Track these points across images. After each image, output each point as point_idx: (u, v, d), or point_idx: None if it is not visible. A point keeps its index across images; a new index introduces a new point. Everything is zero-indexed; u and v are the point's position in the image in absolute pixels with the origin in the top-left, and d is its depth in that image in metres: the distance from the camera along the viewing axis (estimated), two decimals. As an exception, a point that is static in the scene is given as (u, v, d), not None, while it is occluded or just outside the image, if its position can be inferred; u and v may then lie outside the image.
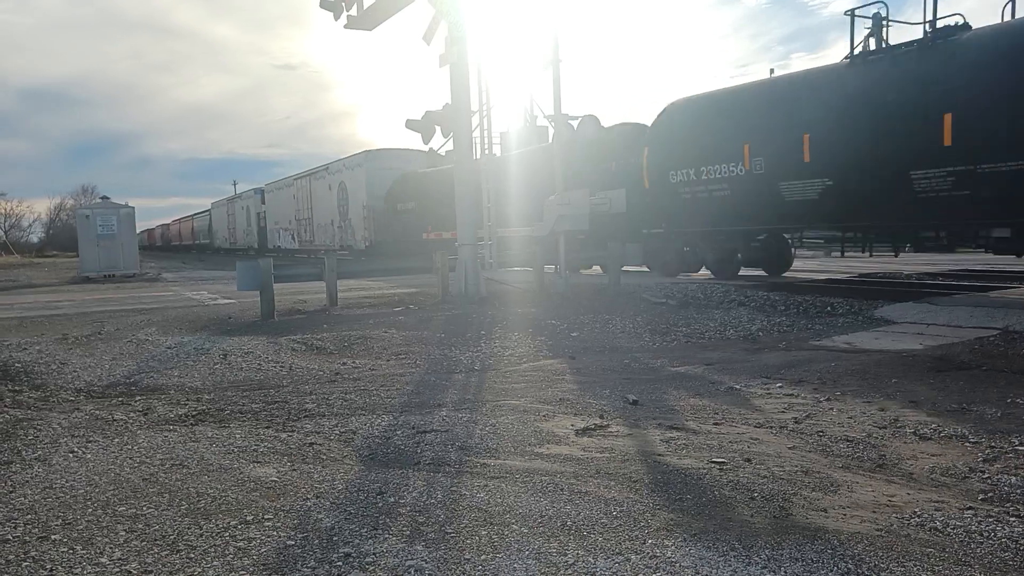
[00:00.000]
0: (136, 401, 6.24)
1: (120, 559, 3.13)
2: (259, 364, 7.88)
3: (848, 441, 4.67)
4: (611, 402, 5.87)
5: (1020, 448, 4.38)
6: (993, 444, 4.49)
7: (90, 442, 4.91)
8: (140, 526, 3.48)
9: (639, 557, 3.08)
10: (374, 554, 3.14)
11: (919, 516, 3.43)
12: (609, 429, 5.08)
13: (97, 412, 5.80)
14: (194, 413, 5.76)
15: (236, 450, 4.72)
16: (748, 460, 4.32)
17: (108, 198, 28.53)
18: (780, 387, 6.32)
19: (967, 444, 4.54)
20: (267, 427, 5.33)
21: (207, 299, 16.14)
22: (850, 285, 14.57)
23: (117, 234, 25.79)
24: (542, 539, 3.27)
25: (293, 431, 5.21)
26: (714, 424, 5.20)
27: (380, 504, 3.74)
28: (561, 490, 3.89)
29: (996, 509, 3.50)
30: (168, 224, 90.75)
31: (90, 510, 3.68)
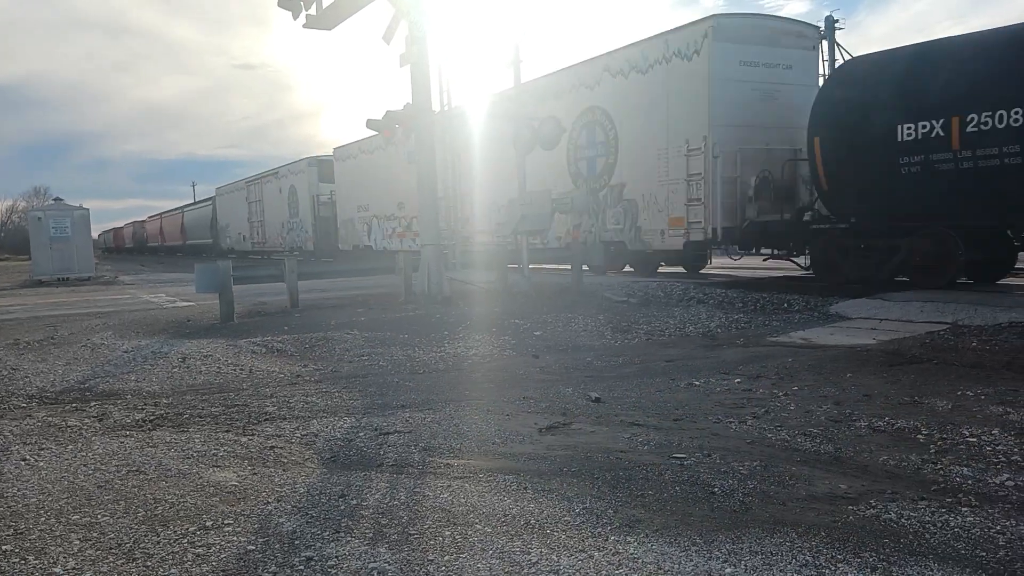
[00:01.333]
0: (91, 407, 6.10)
1: (74, 569, 3.06)
2: (218, 367, 7.76)
3: (805, 435, 4.76)
4: (574, 400, 5.91)
5: (971, 440, 4.50)
6: (944, 436, 4.61)
7: (43, 449, 4.79)
8: (95, 534, 3.40)
9: (602, 554, 3.11)
10: (336, 557, 3.12)
11: (874, 508, 3.51)
12: (572, 427, 5.11)
13: (50, 419, 5.66)
14: (151, 418, 5.65)
15: (195, 455, 4.65)
16: (708, 455, 4.38)
17: (61, 199, 27.82)
18: (739, 382, 6.41)
19: (919, 436, 4.65)
20: (227, 431, 5.25)
21: (165, 302, 15.84)
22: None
23: (71, 236, 25.16)
24: (505, 538, 3.28)
25: (253, 435, 5.14)
26: (674, 420, 5.26)
27: (342, 507, 3.71)
28: (525, 489, 3.90)
29: (949, 500, 3.59)
30: (143, 221, 76.52)
31: (43, 519, 3.59)
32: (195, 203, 56.76)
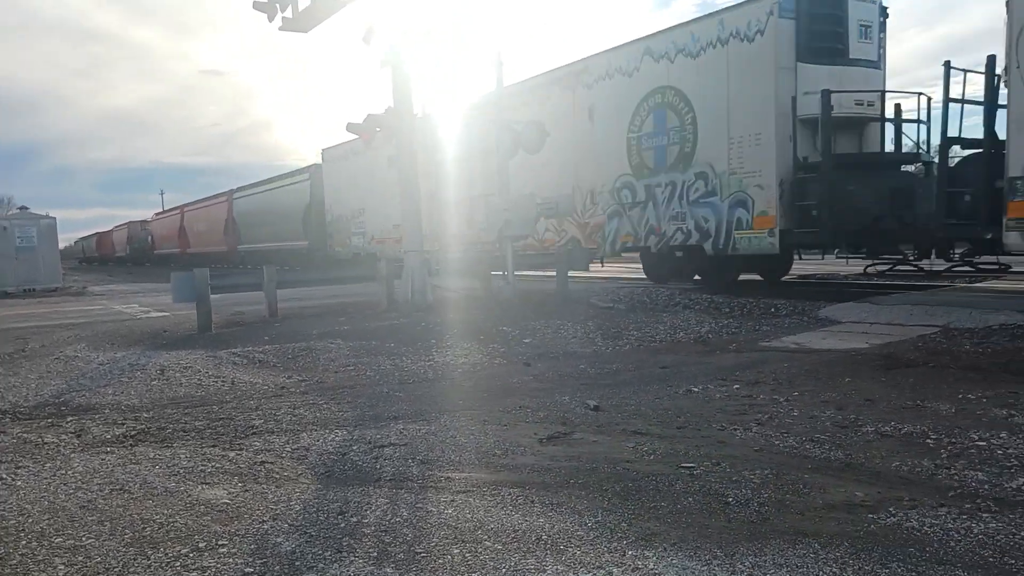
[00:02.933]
0: (68, 422, 5.85)
1: (59, 598, 2.86)
2: (199, 379, 7.52)
3: (813, 442, 4.66)
4: (572, 408, 5.76)
5: (980, 443, 4.42)
6: (953, 440, 4.53)
7: (20, 468, 4.55)
8: (80, 558, 3.20)
9: (621, 570, 2.97)
10: (342, 579, 2.94)
11: (894, 516, 3.40)
12: (573, 436, 4.97)
13: (25, 435, 5.40)
14: (133, 433, 5.42)
15: (182, 471, 4.44)
16: (717, 464, 4.26)
17: (27, 208, 27.20)
18: (738, 388, 6.31)
19: (928, 441, 4.57)
20: (213, 446, 5.04)
21: (139, 312, 15.47)
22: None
23: (37, 246, 24.55)
24: (518, 555, 3.12)
25: (241, 449, 4.93)
26: (678, 428, 5.13)
27: (342, 524, 3.53)
28: (532, 502, 3.74)
29: (968, 506, 3.50)
30: (146, 221, 56.71)
31: (24, 542, 3.38)
32: (262, 183, 34.28)
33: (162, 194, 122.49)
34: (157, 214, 56.12)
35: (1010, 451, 4.27)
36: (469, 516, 3.58)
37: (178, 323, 12.18)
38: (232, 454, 4.81)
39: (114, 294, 23.00)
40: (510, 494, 3.87)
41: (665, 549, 3.15)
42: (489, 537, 3.32)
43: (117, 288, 26.71)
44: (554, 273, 13.60)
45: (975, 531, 3.21)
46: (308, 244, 28.20)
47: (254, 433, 5.35)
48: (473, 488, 3.99)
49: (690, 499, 3.73)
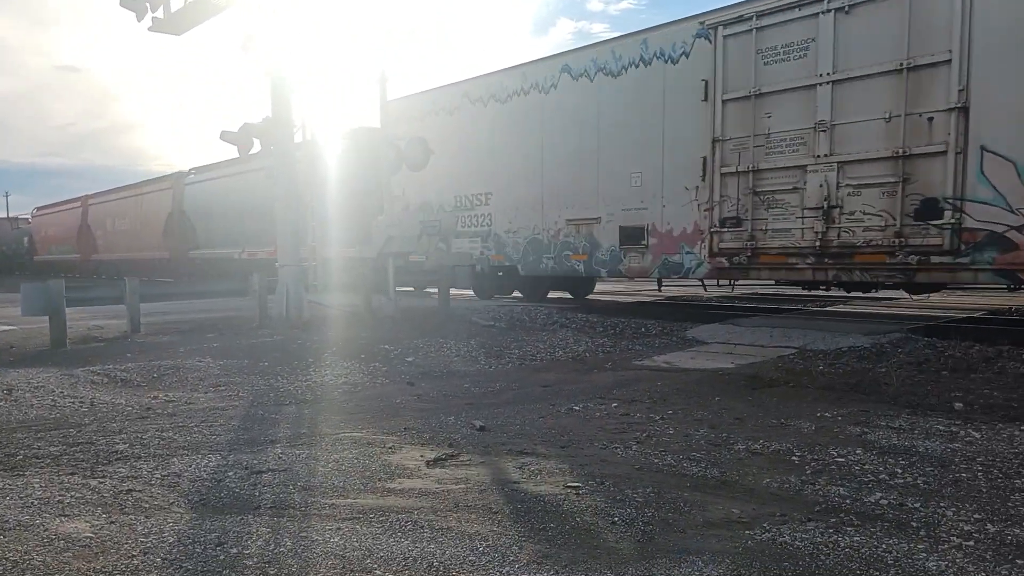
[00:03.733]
0: None
1: None
2: (53, 400, 6.94)
3: (690, 460, 4.85)
4: (458, 429, 5.74)
5: (840, 460, 4.76)
6: (815, 457, 4.85)
7: None
8: (-82, 607, 2.87)
9: (514, 595, 2.97)
10: (224, 617, 2.79)
11: (769, 531, 3.60)
12: (461, 458, 4.94)
13: None
14: (-24, 461, 4.92)
15: (36, 502, 4.07)
16: (602, 483, 4.36)
17: None
18: (616, 407, 6.50)
19: (794, 458, 4.86)
20: (71, 473, 4.66)
21: (-22, 325, 14.12)
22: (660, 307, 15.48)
23: None
24: (411, 584, 3.07)
25: (105, 477, 4.59)
26: (561, 447, 5.22)
27: (221, 557, 3.35)
28: (421, 528, 3.69)
29: (833, 520, 3.74)
30: (26, 218, 45.36)
31: None
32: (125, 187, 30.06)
33: (7, 196, 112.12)
34: (40, 209, 43.17)
35: (866, 467, 4.61)
36: (357, 544, 3.48)
37: (26, 338, 11.22)
38: (94, 482, 4.46)
39: (-53, 304, 20.90)
40: (398, 520, 3.80)
41: (557, 571, 3.18)
42: (379, 566, 3.25)
43: (-50, 297, 24.30)
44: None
45: (842, 544, 3.44)
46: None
47: (118, 459, 4.99)
48: (359, 515, 3.89)
49: (577, 519, 3.79)
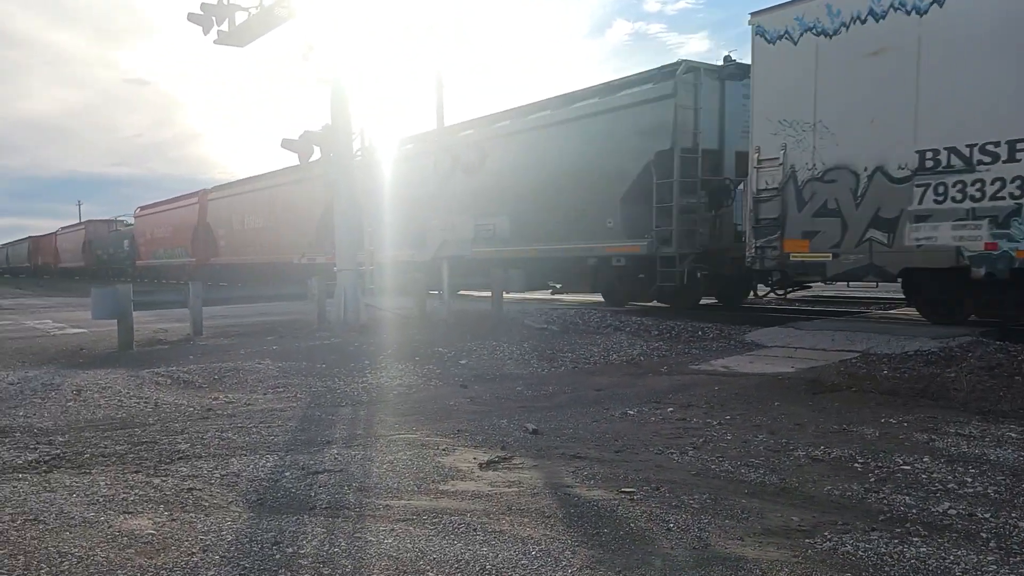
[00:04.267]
0: (-26, 446, 5.48)
1: (-32, 642, 2.65)
2: (120, 400, 7.17)
3: (748, 466, 4.74)
4: (511, 432, 5.73)
5: (905, 468, 4.58)
6: (880, 464, 4.68)
7: (-80, 498, 4.22)
8: (-10, 598, 2.98)
9: (567, 600, 2.93)
10: (279, 616, 2.82)
11: (830, 540, 3.48)
12: (513, 461, 4.93)
13: (-74, 461, 5.03)
14: (47, 458, 5.11)
15: (102, 500, 4.20)
16: (657, 488, 4.28)
17: (-68, 217, 25.54)
18: (672, 411, 6.40)
19: (856, 465, 4.71)
20: (136, 472, 4.80)
21: (53, 328, 14.72)
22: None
23: (-58, 257, 23.17)
24: (462, 586, 3.06)
25: (167, 476, 4.71)
26: (615, 452, 5.16)
27: (278, 556, 3.40)
28: (474, 530, 3.68)
29: (898, 530, 3.60)
30: (131, 220, 42.80)
31: (-75, 582, 3.12)
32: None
33: (79, 205, 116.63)
34: (142, 210, 40.09)
35: (934, 475, 4.43)
36: (410, 546, 3.49)
37: (96, 340, 11.64)
38: (157, 480, 4.58)
39: (24, 308, 21.88)
40: (451, 522, 3.80)
41: (610, 577, 3.13)
42: (432, 568, 3.24)
43: (29, 302, 25.42)
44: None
45: (907, 555, 3.31)
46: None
47: (180, 458, 5.12)
48: (413, 516, 3.91)
49: (632, 525, 3.73)
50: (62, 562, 3.31)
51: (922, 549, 3.37)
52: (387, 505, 4.10)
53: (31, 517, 3.91)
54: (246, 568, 3.25)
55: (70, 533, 3.68)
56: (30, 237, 61.25)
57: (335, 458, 5.06)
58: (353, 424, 6.20)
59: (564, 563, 3.28)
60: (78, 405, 6.98)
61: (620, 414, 6.34)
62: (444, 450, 5.22)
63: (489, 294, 13.29)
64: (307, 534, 3.67)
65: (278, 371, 8.72)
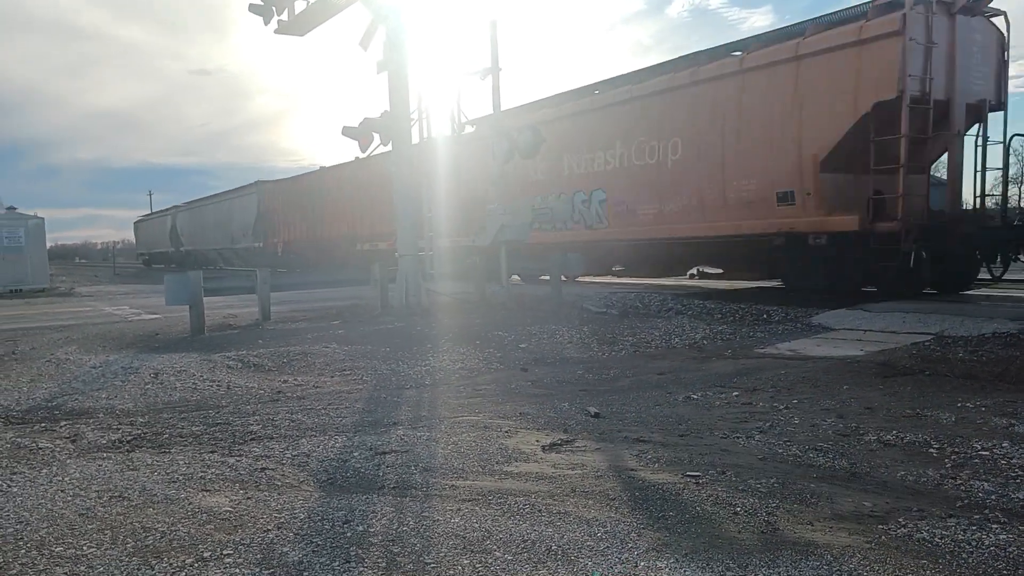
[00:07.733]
0: (61, 427, 5.76)
1: (64, 609, 2.80)
2: (194, 383, 7.44)
3: (816, 450, 4.65)
4: (572, 415, 5.74)
5: (983, 453, 4.43)
6: (956, 450, 4.53)
7: (15, 474, 4.47)
8: (83, 568, 3.14)
9: (634, 582, 2.94)
10: (352, 591, 2.90)
11: (905, 527, 3.39)
12: (576, 444, 4.94)
13: (19, 440, 5.32)
14: (129, 438, 5.35)
15: (181, 478, 4.37)
16: (723, 472, 4.24)
17: (15, 208, 26.92)
18: (737, 395, 6.31)
19: (931, 450, 4.57)
20: (212, 451, 4.98)
21: (130, 314, 15.33)
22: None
23: (25, 246, 24.33)
24: (529, 565, 3.09)
25: (241, 455, 4.87)
26: (680, 436, 5.12)
27: (348, 534, 3.49)
28: (539, 511, 3.71)
29: (977, 516, 3.49)
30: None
31: (23, 551, 3.31)
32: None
33: (151, 195, 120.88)
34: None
35: (1014, 461, 4.28)
36: (477, 525, 3.54)
37: (169, 325, 12.07)
38: (232, 460, 4.75)
39: (103, 295, 22.82)
40: (516, 503, 3.84)
41: (677, 560, 3.12)
42: (498, 547, 3.29)
43: (105, 289, 26.51)
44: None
45: (986, 543, 3.21)
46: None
47: (253, 439, 5.29)
48: (479, 496, 3.96)
49: (698, 508, 3.71)
50: (146, 536, 3.47)
51: (1001, 536, 3.26)
52: (453, 485, 4.17)
53: (116, 494, 4.10)
54: (319, 545, 3.34)
55: (153, 509, 3.85)
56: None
57: (401, 439, 5.16)
58: (417, 406, 6.30)
59: (630, 545, 3.28)
60: (156, 388, 7.26)
61: (683, 398, 6.29)
62: (507, 432, 5.27)
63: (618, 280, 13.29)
64: (376, 513, 3.76)
65: (344, 354, 8.91)
